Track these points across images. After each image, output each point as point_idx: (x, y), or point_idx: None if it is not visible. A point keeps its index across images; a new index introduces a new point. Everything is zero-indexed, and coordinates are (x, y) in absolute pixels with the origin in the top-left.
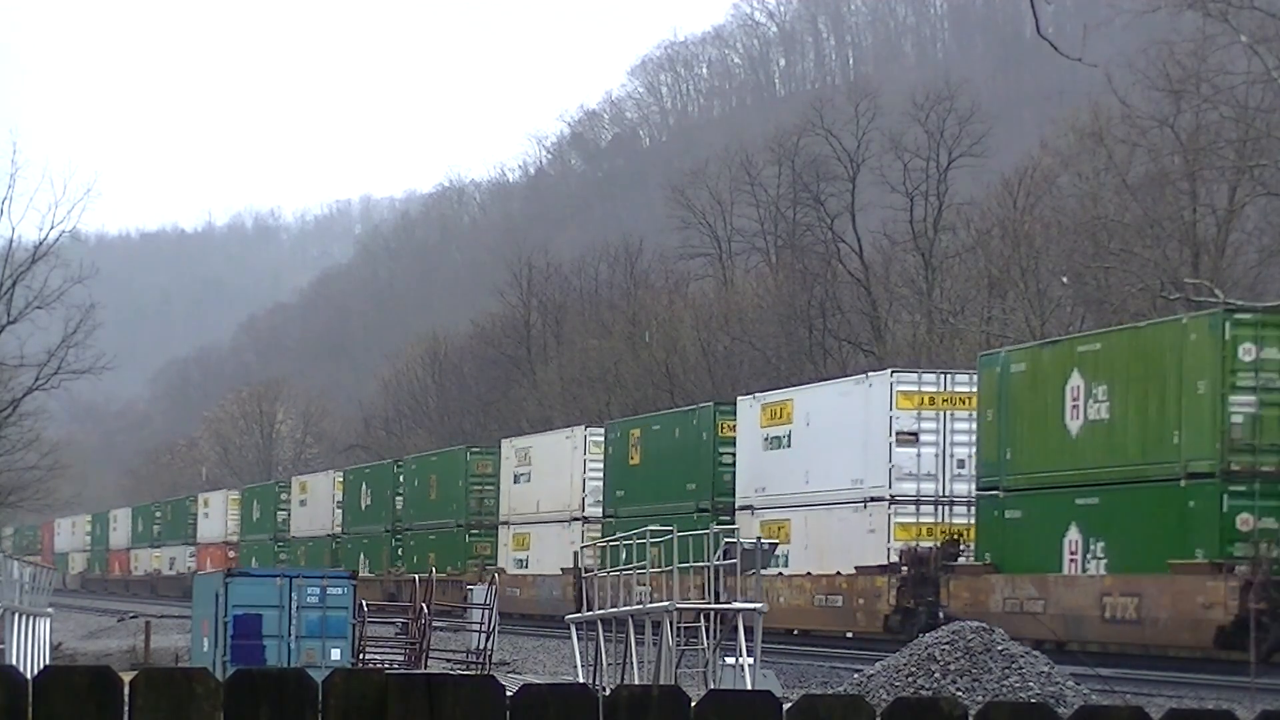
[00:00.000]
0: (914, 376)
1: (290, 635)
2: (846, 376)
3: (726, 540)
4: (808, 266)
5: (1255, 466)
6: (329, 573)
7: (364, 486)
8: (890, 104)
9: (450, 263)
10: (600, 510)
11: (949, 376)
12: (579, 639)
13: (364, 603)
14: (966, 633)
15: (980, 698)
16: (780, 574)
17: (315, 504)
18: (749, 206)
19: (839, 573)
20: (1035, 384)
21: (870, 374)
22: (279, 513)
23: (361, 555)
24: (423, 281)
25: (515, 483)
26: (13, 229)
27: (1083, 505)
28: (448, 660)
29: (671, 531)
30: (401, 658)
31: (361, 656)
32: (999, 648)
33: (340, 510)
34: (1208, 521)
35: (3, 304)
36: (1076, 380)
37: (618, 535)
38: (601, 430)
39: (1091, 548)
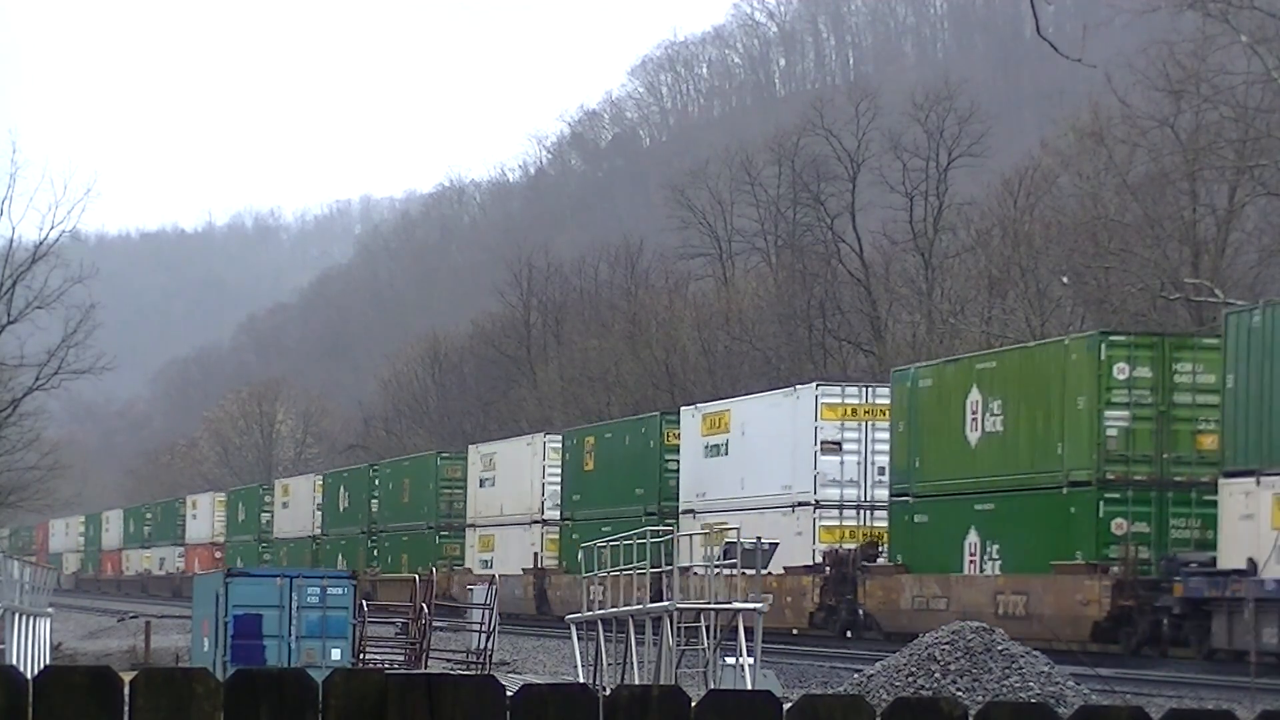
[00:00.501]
0: (838, 389)
1: (290, 635)
2: (776, 390)
3: (727, 540)
4: (808, 266)
5: (1128, 475)
6: (329, 573)
7: (342, 490)
8: (890, 104)
9: (450, 263)
10: (558, 513)
11: (871, 389)
12: (579, 639)
13: (364, 603)
14: (966, 633)
15: (980, 698)
16: (720, 574)
17: (297, 506)
18: (749, 206)
19: (770, 573)
20: (940, 398)
21: (798, 387)
22: (263, 514)
23: (340, 555)
24: (423, 281)
25: (481, 487)
26: (13, 229)
27: (981, 510)
28: (448, 660)
29: (672, 532)
30: (401, 658)
31: (361, 656)
32: (999, 648)
33: (320, 512)
34: (1086, 526)
35: (3, 304)
36: (975, 395)
37: (617, 536)
38: (560, 437)
39: (988, 550)
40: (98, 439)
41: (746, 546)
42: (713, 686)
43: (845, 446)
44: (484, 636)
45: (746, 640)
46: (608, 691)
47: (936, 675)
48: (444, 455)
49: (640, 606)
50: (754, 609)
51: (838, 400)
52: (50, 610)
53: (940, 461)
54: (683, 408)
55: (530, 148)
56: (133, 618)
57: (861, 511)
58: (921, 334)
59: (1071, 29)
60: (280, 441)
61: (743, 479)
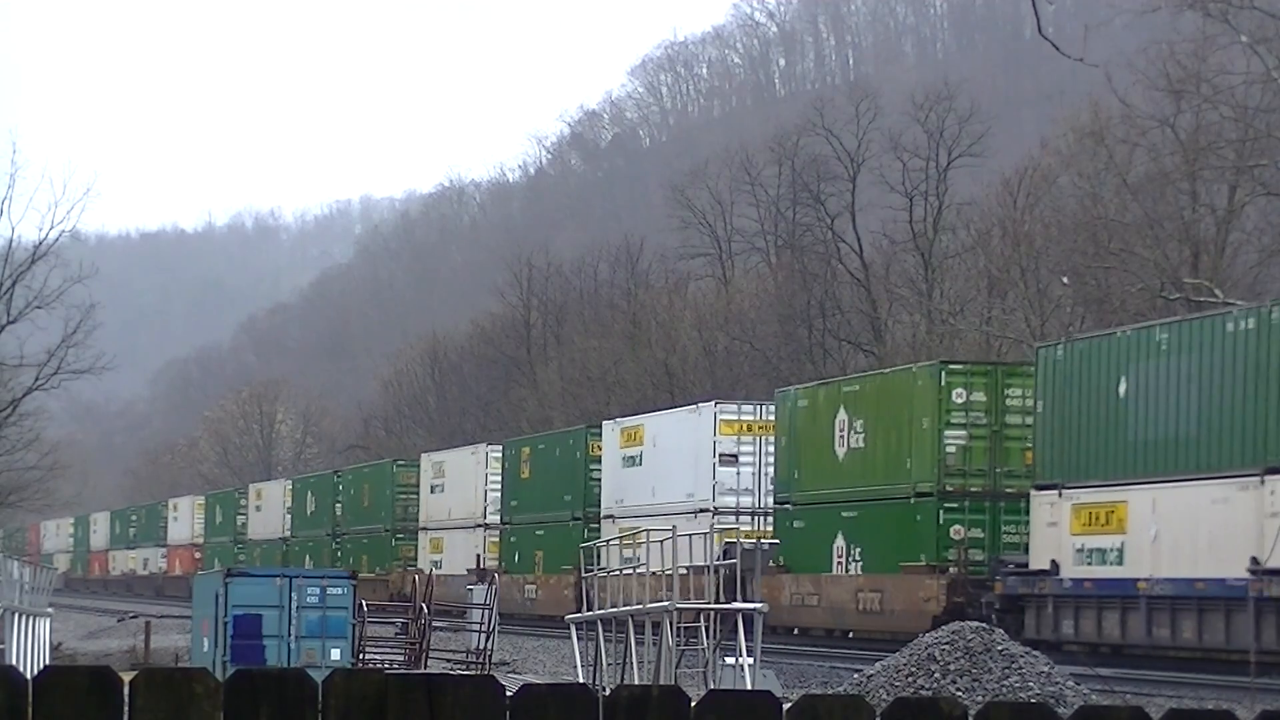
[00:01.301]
0: (734, 407)
1: (290, 635)
2: (682, 406)
3: (727, 540)
4: (807, 266)
5: (965, 488)
6: (329, 573)
7: (309, 495)
8: (890, 104)
9: (450, 263)
10: (499, 518)
11: (764, 407)
12: (579, 639)
13: (364, 603)
14: (966, 633)
15: (980, 698)
16: (635, 573)
17: (269, 510)
18: (749, 206)
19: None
20: (814, 417)
21: (700, 404)
22: (238, 517)
23: (307, 556)
24: (423, 281)
25: (432, 493)
26: (13, 229)
27: (846, 517)
28: (448, 660)
29: (672, 531)
30: (401, 658)
31: (361, 656)
32: (999, 648)
33: (289, 516)
34: (928, 532)
35: (3, 304)
36: (843, 415)
37: (616, 535)
38: (500, 448)
39: (852, 552)
40: (97, 439)
41: (746, 547)
42: (712, 686)
43: (741, 458)
44: (484, 636)
45: (746, 640)
46: (608, 691)
47: (936, 675)
48: (399, 462)
49: (640, 606)
50: (755, 609)
51: (734, 417)
52: (50, 610)
53: (814, 473)
54: (604, 422)
55: (530, 148)
56: (133, 618)
57: (755, 517)
58: (921, 334)
59: (1072, 29)
60: (280, 442)
61: (654, 487)
